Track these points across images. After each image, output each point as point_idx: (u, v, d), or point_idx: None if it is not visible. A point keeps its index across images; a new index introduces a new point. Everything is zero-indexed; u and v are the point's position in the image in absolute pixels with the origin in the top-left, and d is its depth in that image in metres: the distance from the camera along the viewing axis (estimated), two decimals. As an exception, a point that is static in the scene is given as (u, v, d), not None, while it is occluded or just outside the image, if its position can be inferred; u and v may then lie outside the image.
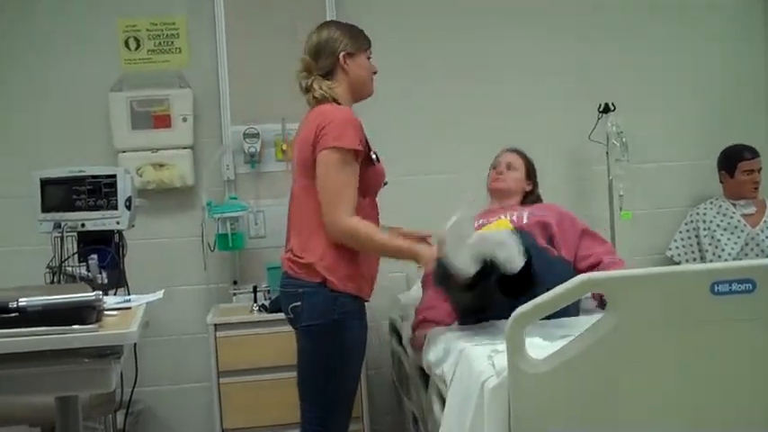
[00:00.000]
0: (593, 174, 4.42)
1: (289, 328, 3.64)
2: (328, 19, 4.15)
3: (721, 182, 4.41)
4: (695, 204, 4.45)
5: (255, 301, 3.88)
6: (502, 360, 2.07)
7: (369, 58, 2.99)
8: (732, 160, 4.33)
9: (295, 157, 2.93)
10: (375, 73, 3.00)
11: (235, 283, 4.18)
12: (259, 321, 3.70)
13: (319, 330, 2.81)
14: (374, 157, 2.88)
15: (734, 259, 4.13)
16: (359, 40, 2.97)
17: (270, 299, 3.84)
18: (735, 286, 2.03)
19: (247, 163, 4.19)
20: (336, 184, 2.73)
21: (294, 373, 3.61)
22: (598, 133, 4.28)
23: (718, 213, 4.32)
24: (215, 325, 3.68)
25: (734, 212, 4.31)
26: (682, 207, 4.51)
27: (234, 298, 4.13)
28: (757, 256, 4.19)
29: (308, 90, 2.92)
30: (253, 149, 4.13)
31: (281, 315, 3.64)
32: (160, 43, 4.24)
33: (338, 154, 2.72)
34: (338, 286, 2.78)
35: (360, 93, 2.95)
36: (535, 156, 3.69)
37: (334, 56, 2.90)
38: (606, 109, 4.26)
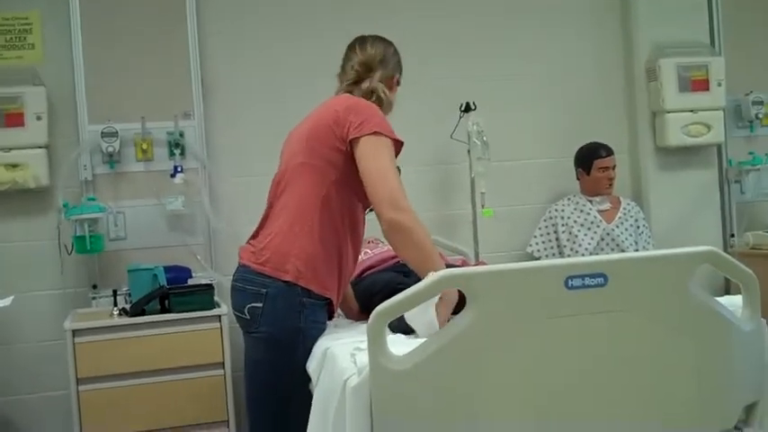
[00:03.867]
0: (455, 172, 4.49)
1: (151, 331, 3.58)
2: (189, 16, 4.12)
3: (578, 179, 4.54)
4: (554, 201, 4.57)
5: (116, 305, 3.76)
6: (364, 357, 2.07)
7: None
8: (588, 158, 4.47)
9: (299, 136, 2.78)
10: None
11: (94, 287, 4.04)
12: (120, 326, 3.57)
13: (281, 339, 2.60)
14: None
15: (590, 254, 4.26)
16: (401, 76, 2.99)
17: (131, 302, 3.73)
18: (588, 280, 2.09)
19: (106, 163, 4.06)
20: (392, 167, 2.59)
21: (156, 378, 3.57)
22: (460, 132, 4.35)
23: (575, 210, 4.46)
24: (73, 331, 3.54)
25: (590, 209, 4.45)
26: (541, 204, 4.62)
27: (93, 302, 4.00)
28: (612, 250, 4.34)
29: (357, 82, 2.86)
30: (111, 149, 3.99)
31: (143, 319, 3.58)
32: (12, 39, 4.06)
33: (388, 141, 2.62)
34: (311, 285, 2.60)
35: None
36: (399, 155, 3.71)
37: (393, 72, 2.91)
38: (467, 108, 4.33)
